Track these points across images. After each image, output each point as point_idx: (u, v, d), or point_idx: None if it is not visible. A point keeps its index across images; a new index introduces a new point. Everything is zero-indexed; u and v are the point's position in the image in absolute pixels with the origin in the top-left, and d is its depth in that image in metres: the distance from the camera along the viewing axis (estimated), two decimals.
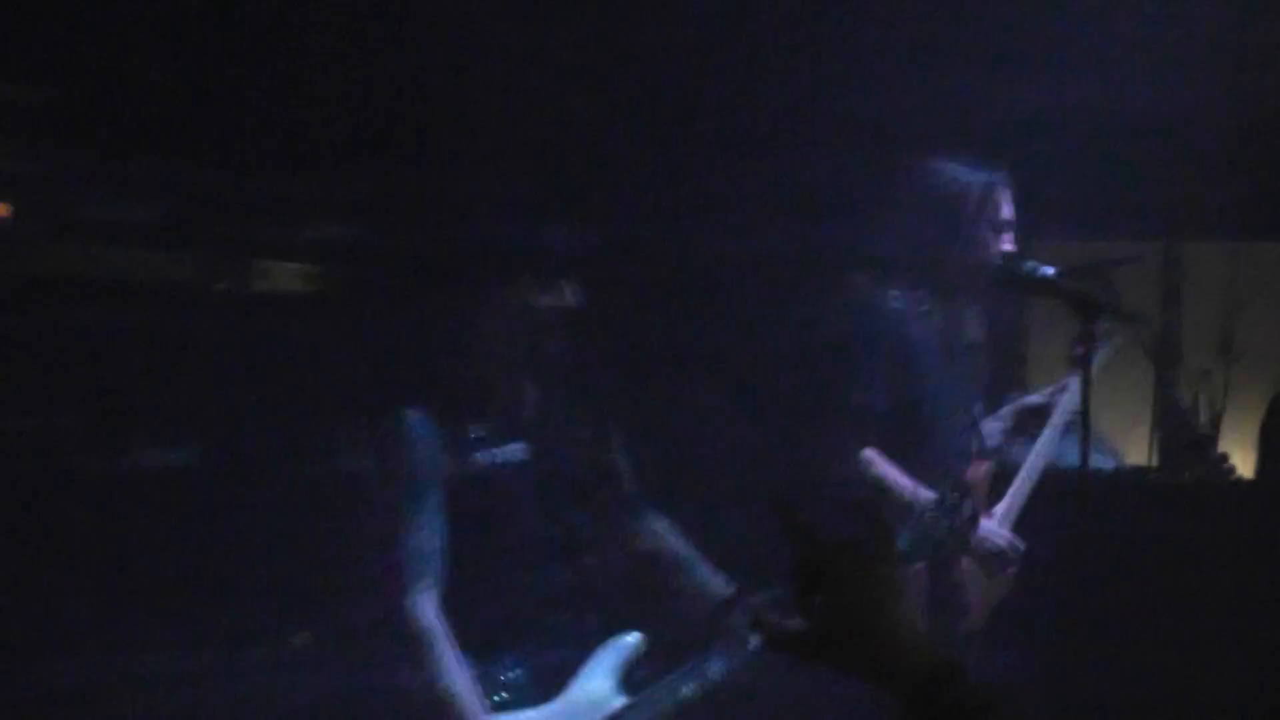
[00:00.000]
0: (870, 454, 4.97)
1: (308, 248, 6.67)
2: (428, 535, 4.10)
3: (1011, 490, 5.15)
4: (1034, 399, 5.31)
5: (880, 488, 5.04)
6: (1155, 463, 6.49)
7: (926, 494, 4.79)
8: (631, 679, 4.32)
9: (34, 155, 5.37)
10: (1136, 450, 6.57)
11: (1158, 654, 5.66)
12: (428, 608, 4.10)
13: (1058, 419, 5.26)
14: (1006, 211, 4.89)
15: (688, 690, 4.23)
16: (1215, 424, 6.30)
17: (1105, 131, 6.39)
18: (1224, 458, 5.09)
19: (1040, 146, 6.11)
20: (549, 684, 4.25)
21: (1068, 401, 5.28)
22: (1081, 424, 4.29)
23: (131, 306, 5.63)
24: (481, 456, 4.21)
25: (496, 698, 4.17)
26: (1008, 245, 4.79)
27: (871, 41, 6.54)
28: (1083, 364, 4.23)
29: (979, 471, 5.16)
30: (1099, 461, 5.39)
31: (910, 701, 2.14)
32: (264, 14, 5.83)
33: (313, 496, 5.84)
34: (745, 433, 5.69)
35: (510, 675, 4.20)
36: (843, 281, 5.44)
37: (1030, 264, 4.55)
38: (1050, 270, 4.47)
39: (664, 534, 4.57)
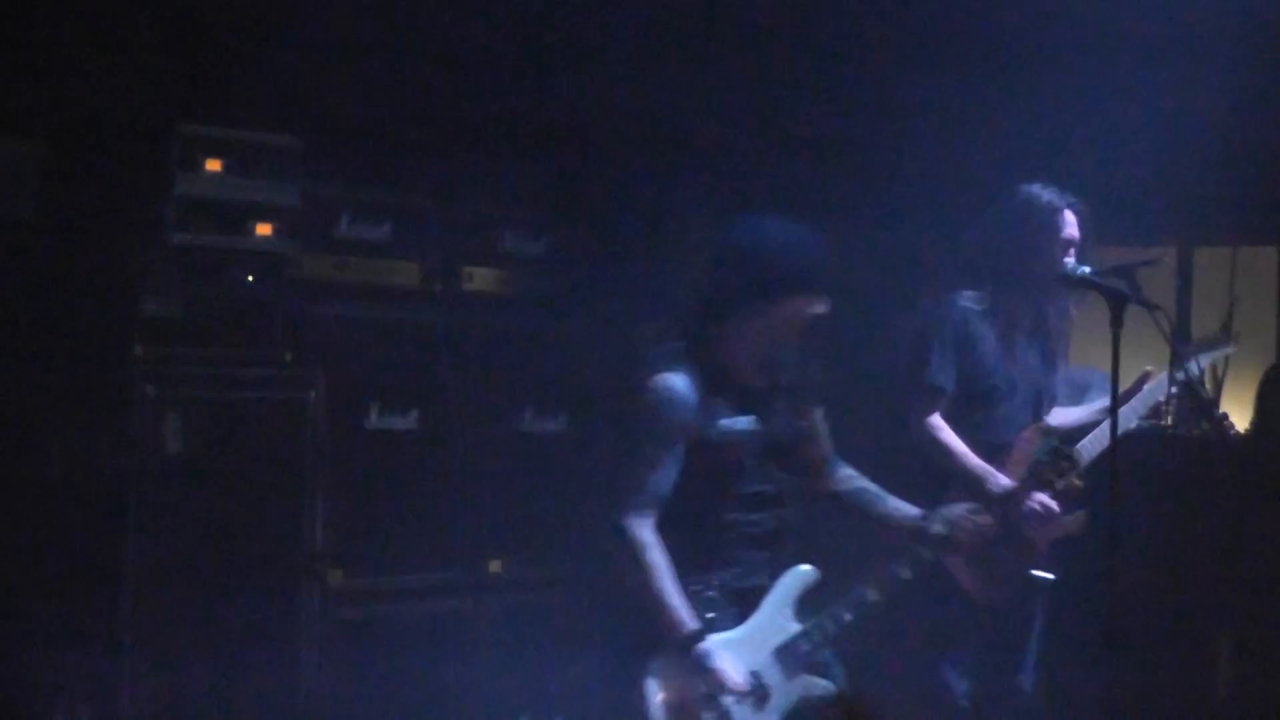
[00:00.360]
0: (936, 420, 5.47)
1: None
2: (664, 476, 4.55)
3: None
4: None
5: (940, 450, 5.48)
6: (1171, 422, 6.88)
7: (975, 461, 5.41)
8: (804, 605, 4.78)
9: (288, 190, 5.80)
10: (1156, 412, 6.75)
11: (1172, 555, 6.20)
12: (649, 528, 4.54)
13: (1136, 404, 5.66)
14: (1072, 232, 5.45)
15: (848, 616, 4.75)
16: (1218, 392, 6.69)
17: (1130, 153, 6.85)
18: (1225, 417, 5.54)
19: (1075, 169, 6.39)
20: (741, 606, 4.70)
21: (1149, 392, 5.67)
22: (1112, 392, 4.69)
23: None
24: (724, 423, 4.66)
25: (707, 615, 4.59)
26: (1070, 259, 5.34)
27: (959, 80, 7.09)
28: (1113, 342, 4.59)
29: (1028, 439, 5.62)
30: (1126, 420, 5.72)
31: None
32: None
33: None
34: (860, 406, 5.69)
35: (710, 594, 4.65)
36: (930, 285, 5.94)
37: (1071, 264, 5.06)
38: (1087, 269, 5.03)
39: (855, 477, 5.03)
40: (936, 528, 4.77)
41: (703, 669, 4.49)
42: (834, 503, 5.00)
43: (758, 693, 4.62)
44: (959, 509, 4.86)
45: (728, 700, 4.54)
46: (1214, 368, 6.64)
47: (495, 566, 6.25)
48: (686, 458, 4.61)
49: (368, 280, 6.09)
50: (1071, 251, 5.44)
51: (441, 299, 6.24)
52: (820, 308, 4.62)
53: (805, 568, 4.78)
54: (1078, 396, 6.43)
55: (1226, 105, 6.82)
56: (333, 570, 5.86)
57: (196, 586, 5.51)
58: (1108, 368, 4.65)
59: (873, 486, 4.99)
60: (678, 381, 4.58)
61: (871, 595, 4.74)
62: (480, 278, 6.35)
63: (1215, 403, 6.03)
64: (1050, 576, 5.58)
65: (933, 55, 7.17)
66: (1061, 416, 5.83)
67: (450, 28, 6.34)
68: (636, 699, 4.58)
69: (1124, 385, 5.80)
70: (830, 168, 7.26)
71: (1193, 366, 5.77)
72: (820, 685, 4.75)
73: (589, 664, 6.22)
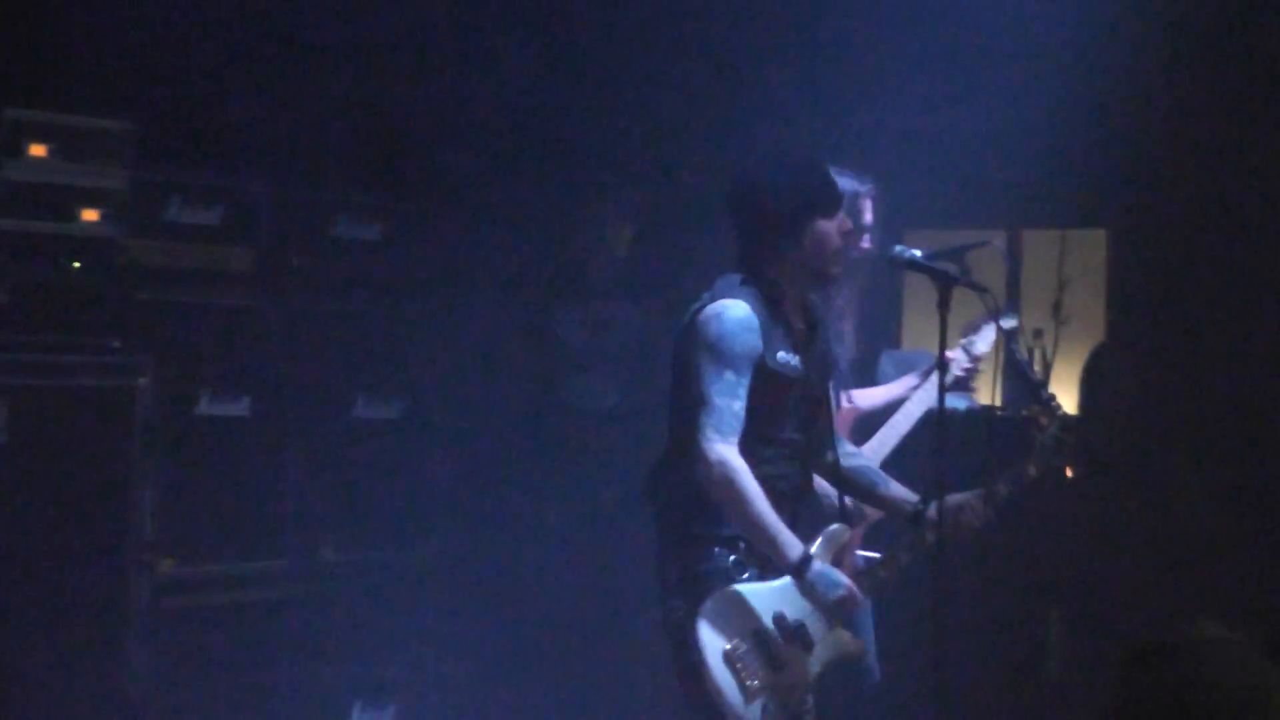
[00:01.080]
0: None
1: None
2: (741, 401, 4.68)
3: (880, 433, 5.86)
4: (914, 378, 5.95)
5: None
6: (1000, 402, 6.77)
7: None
8: (839, 562, 4.89)
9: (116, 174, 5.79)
10: (986, 394, 6.85)
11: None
12: (738, 454, 4.65)
13: (921, 397, 5.87)
14: (868, 217, 5.66)
15: (884, 574, 4.91)
16: (1047, 372, 6.83)
17: (959, 142, 7.03)
18: (1052, 397, 5.73)
19: (909, 155, 6.83)
20: (764, 563, 4.75)
21: (924, 394, 5.87)
22: (939, 372, 4.84)
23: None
24: (781, 355, 4.80)
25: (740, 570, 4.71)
26: (866, 244, 5.53)
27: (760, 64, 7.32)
28: (941, 324, 4.66)
29: (846, 419, 5.82)
30: (956, 402, 6.14)
31: None
32: None
33: None
34: None
35: (742, 546, 4.73)
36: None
37: (900, 248, 4.99)
38: (917, 253, 4.96)
39: (859, 454, 5.24)
40: (932, 515, 4.83)
41: (827, 586, 4.68)
42: (835, 476, 5.14)
43: (804, 640, 4.75)
44: (957, 498, 4.95)
45: (779, 648, 4.67)
46: (1042, 350, 6.84)
47: (329, 553, 6.26)
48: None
49: (198, 266, 6.07)
50: (867, 239, 5.65)
51: (273, 284, 6.23)
52: (845, 225, 4.89)
53: (840, 526, 4.93)
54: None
55: (1054, 89, 6.96)
56: (163, 559, 5.85)
57: (24, 575, 5.49)
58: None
59: (875, 467, 5.19)
60: (744, 308, 4.75)
61: (881, 573, 4.91)
62: (313, 263, 6.36)
63: (1044, 384, 5.93)
64: (876, 555, 5.55)
65: (764, 47, 7.35)
66: (867, 398, 6.01)
67: (280, 8, 6.40)
68: (691, 659, 4.65)
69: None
70: (653, 153, 7.43)
71: (1020, 349, 5.90)
72: (855, 642, 4.93)
73: (423, 651, 6.32)
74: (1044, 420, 5.24)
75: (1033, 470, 5.15)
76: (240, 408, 6.10)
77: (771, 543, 4.66)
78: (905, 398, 5.94)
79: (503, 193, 6.98)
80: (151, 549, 5.80)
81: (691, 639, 4.64)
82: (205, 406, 6.02)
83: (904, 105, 7.10)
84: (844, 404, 5.93)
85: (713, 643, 4.63)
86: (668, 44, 7.41)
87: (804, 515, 4.97)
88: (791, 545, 4.65)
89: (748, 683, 4.63)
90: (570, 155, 7.20)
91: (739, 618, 4.69)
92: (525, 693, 6.48)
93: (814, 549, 4.80)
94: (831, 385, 5.25)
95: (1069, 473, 5.20)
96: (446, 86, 6.87)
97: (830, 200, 4.87)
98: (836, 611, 4.72)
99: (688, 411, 4.78)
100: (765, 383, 4.78)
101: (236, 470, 6.11)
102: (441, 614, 6.52)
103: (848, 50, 7.31)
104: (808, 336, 4.98)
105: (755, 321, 4.75)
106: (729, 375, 4.71)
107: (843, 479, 5.13)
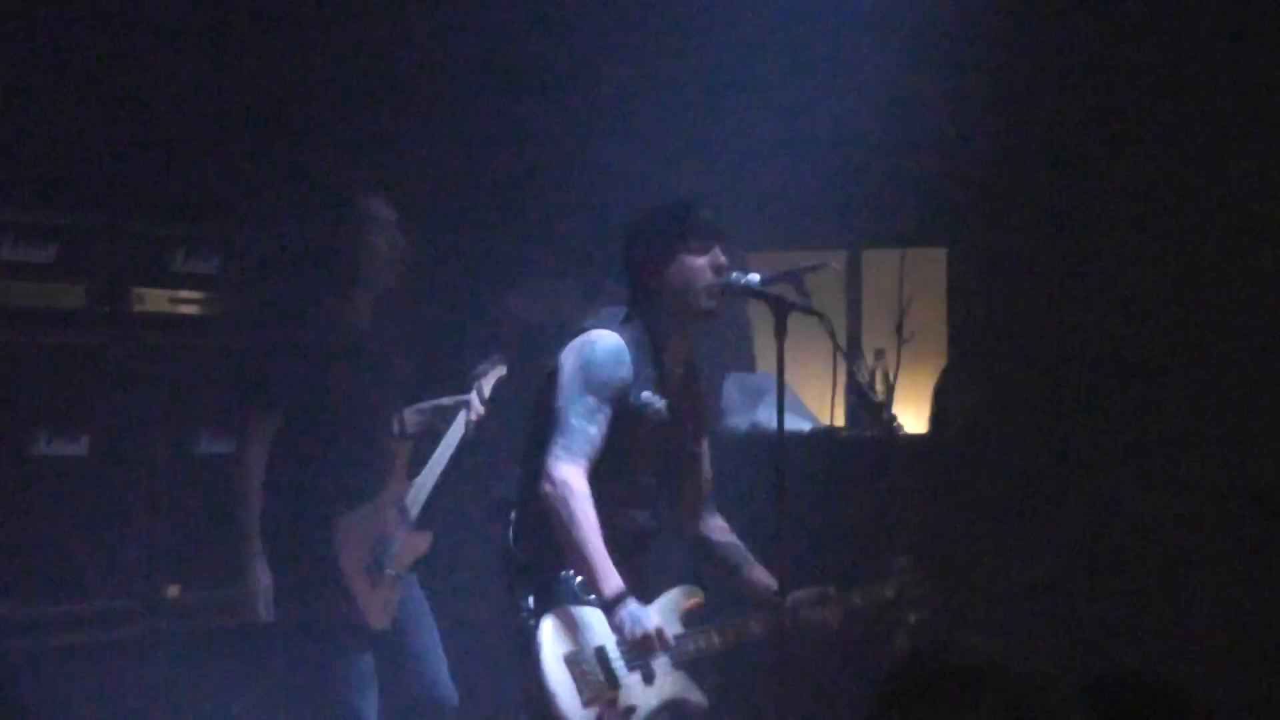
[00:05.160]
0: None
1: None
2: (600, 429, 4.82)
3: (425, 469, 6.15)
4: (444, 401, 6.15)
5: None
6: (844, 423, 7.12)
7: None
8: (688, 617, 5.04)
9: None
10: (827, 415, 6.85)
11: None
12: (584, 478, 4.79)
13: (455, 430, 6.12)
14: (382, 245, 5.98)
15: (717, 640, 5.01)
16: (890, 393, 6.71)
17: (798, 161, 7.17)
18: (894, 418, 5.85)
19: (748, 175, 7.07)
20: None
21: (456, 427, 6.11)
22: (778, 394, 4.92)
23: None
24: (646, 395, 4.96)
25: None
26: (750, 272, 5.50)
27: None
28: (778, 350, 4.83)
29: (399, 451, 6.15)
30: (798, 423, 6.43)
31: None
32: None
33: None
34: None
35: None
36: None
37: (737, 274, 5.06)
38: (756, 277, 5.05)
39: (727, 530, 5.33)
40: (786, 609, 4.95)
41: (634, 623, 4.73)
42: (700, 548, 5.29)
43: (646, 672, 4.85)
44: (804, 595, 5.07)
45: (619, 668, 4.80)
46: (885, 371, 6.94)
47: (173, 591, 6.33)
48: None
49: (32, 304, 6.15)
50: None
51: (110, 321, 6.32)
52: (718, 260, 4.95)
53: (694, 587, 5.08)
54: (753, 402, 6.93)
55: (890, 107, 7.16)
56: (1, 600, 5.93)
57: None
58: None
59: (742, 546, 5.25)
60: (616, 339, 4.88)
61: (754, 628, 5.01)
62: (151, 298, 6.44)
63: (887, 405, 6.10)
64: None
65: (581, 65, 7.49)
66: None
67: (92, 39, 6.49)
68: (532, 653, 4.77)
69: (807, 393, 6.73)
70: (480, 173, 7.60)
71: (861, 371, 6.13)
72: (694, 688, 5.01)
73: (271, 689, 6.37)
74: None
75: (889, 593, 5.26)
76: (79, 447, 6.17)
77: (591, 571, 4.75)
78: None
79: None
80: None
81: (535, 639, 4.77)
82: (44, 447, 6.09)
83: (742, 125, 7.30)
84: (397, 433, 6.15)
85: (555, 647, 4.77)
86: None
87: (649, 565, 5.12)
88: (609, 578, 4.73)
89: (584, 692, 4.76)
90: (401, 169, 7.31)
91: (584, 632, 4.82)
92: None
93: (659, 601, 4.96)
94: (706, 444, 5.35)
95: (912, 618, 5.29)
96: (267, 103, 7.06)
97: (694, 235, 4.95)
98: (636, 651, 4.80)
99: (545, 430, 4.90)
100: (626, 420, 4.90)
101: (78, 510, 6.20)
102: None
103: (685, 71, 7.46)
104: (682, 386, 5.10)
105: (626, 356, 4.88)
106: (590, 400, 4.83)
107: (707, 553, 5.26)
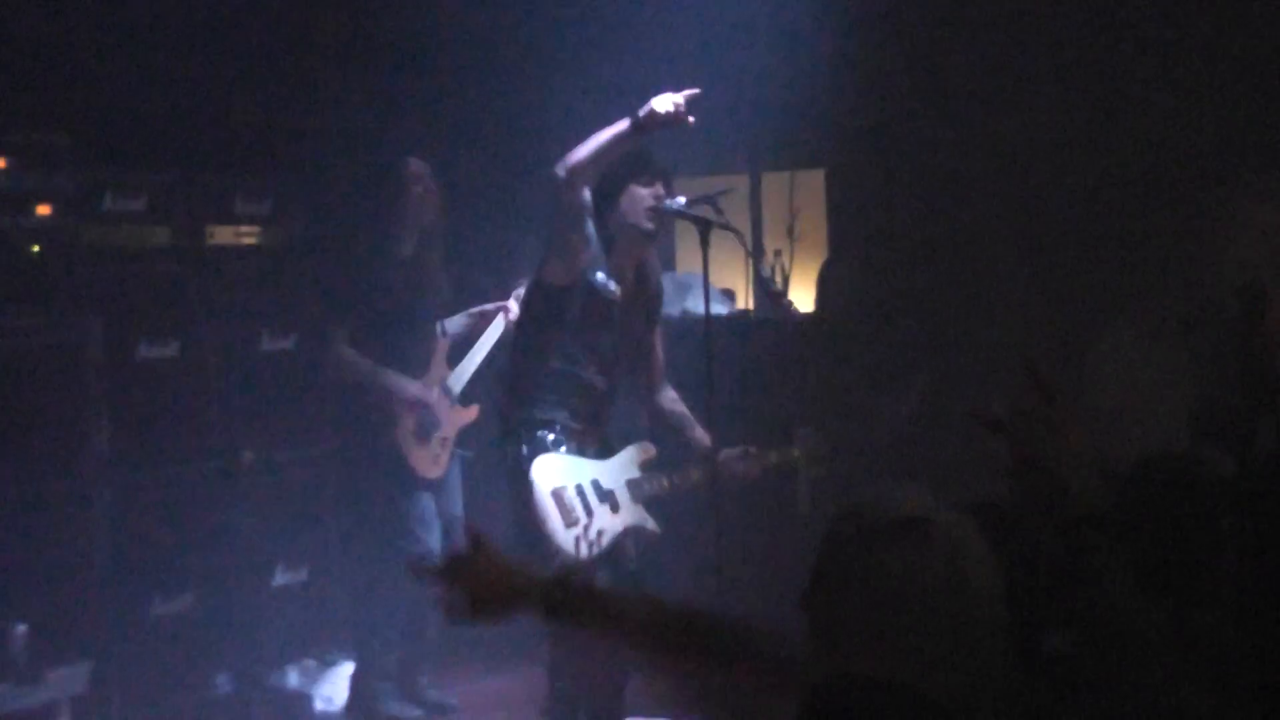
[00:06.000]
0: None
1: None
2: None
3: (465, 359, 6.96)
4: (487, 307, 6.98)
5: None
6: (752, 307, 8.17)
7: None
8: (644, 467, 5.67)
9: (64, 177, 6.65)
10: (743, 301, 8.25)
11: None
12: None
13: (495, 327, 6.95)
14: (420, 188, 6.75)
15: (671, 482, 5.66)
16: (785, 282, 7.93)
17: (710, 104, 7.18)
18: (790, 303, 6.23)
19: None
20: (582, 445, 5.55)
21: (496, 325, 6.94)
22: (704, 289, 5.50)
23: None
24: (600, 278, 5.51)
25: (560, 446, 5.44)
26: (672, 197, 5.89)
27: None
28: (704, 260, 5.45)
29: (443, 348, 6.98)
30: (718, 309, 6.54)
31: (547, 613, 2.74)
32: None
33: None
34: None
35: (559, 427, 5.52)
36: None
37: (668, 200, 5.64)
38: (681, 200, 5.64)
39: (678, 400, 5.88)
40: (722, 458, 5.63)
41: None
42: (655, 414, 5.89)
43: (613, 503, 5.50)
44: (732, 451, 5.73)
45: (593, 500, 5.44)
46: (780, 266, 8.02)
47: (248, 456, 7.11)
48: (556, 298, 5.54)
49: (130, 243, 7.05)
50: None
51: (190, 253, 7.23)
52: (659, 192, 5.58)
53: (649, 444, 5.77)
54: (683, 294, 7.80)
55: (779, 43, 7.87)
56: (117, 470, 6.82)
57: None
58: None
59: (688, 413, 5.83)
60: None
61: (694, 476, 5.69)
62: (219, 234, 7.41)
63: (784, 292, 6.85)
64: (469, 453, 7.00)
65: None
66: (454, 324, 7.12)
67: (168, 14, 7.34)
68: (525, 489, 5.41)
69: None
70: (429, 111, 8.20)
71: (766, 268, 7.20)
72: (650, 518, 5.67)
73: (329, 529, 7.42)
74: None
75: (796, 453, 5.96)
76: (171, 349, 7.01)
77: (608, 132, 5.41)
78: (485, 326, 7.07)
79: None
80: (108, 460, 6.77)
81: (525, 475, 5.41)
82: (144, 351, 6.95)
83: (661, 69, 7.19)
84: (440, 334, 6.94)
85: (543, 481, 5.41)
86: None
87: (608, 422, 5.74)
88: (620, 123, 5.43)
89: (566, 516, 5.38)
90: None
91: (564, 473, 5.48)
92: None
93: (623, 453, 5.67)
94: (659, 332, 5.90)
95: (812, 473, 5.98)
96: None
97: (643, 170, 5.55)
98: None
99: (528, 293, 5.62)
100: (585, 294, 5.50)
101: (172, 399, 7.03)
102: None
103: (613, 19, 8.05)
104: (634, 285, 5.67)
105: (592, 232, 5.50)
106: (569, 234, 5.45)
107: (660, 418, 5.89)
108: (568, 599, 2.67)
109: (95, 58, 7.21)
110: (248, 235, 7.45)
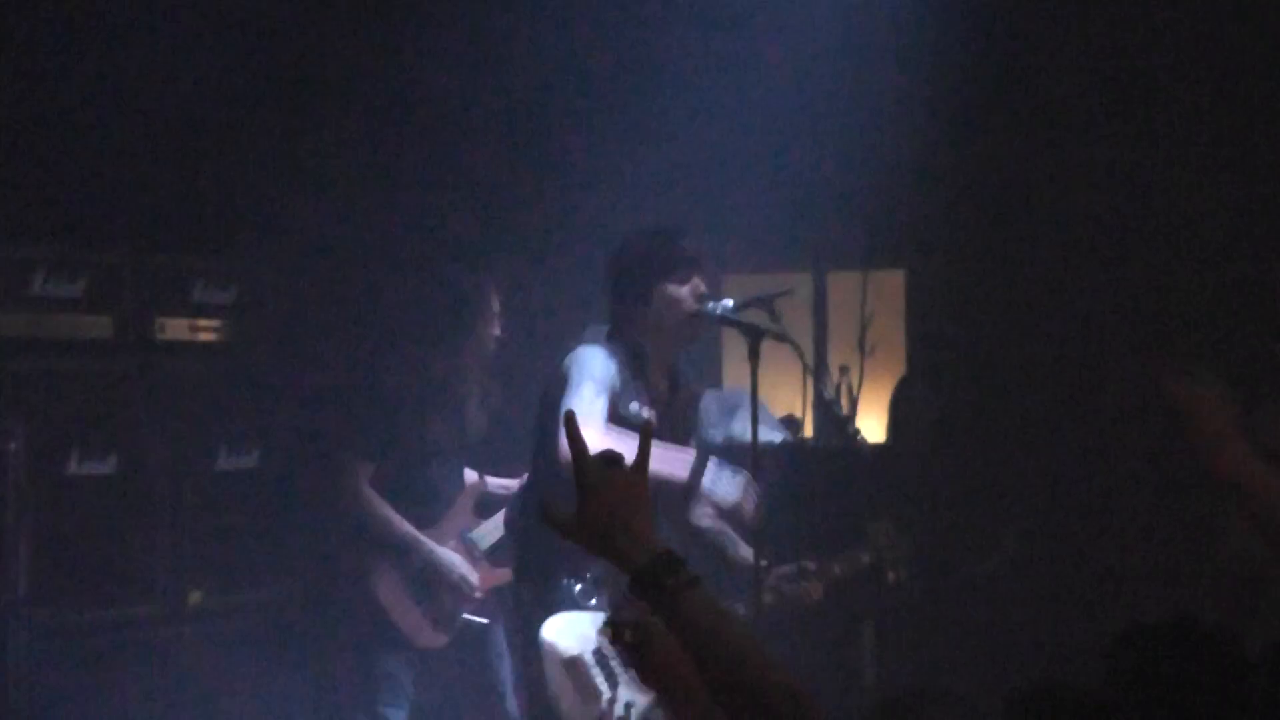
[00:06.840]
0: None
1: None
2: (603, 410, 5.04)
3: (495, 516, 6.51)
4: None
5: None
6: (812, 435, 7.47)
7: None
8: None
9: None
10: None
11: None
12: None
13: None
14: (495, 305, 6.35)
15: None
16: (854, 406, 7.23)
17: (766, 188, 7.44)
18: (858, 431, 5.83)
19: (719, 200, 7.26)
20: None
21: None
22: (752, 411, 5.10)
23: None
24: (634, 406, 5.18)
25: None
26: (496, 331, 6.14)
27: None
28: (752, 373, 5.04)
29: (470, 494, 6.55)
30: (769, 435, 6.50)
31: (635, 577, 2.74)
32: None
33: None
34: None
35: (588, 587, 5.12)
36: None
37: (712, 304, 5.28)
38: (730, 303, 5.28)
39: (713, 515, 5.30)
40: (770, 579, 5.25)
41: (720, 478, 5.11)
42: (691, 536, 5.36)
43: None
44: (784, 570, 5.35)
45: (616, 666, 4.97)
46: (847, 385, 7.28)
47: (195, 597, 6.59)
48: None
49: (64, 335, 6.39)
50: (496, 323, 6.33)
51: (136, 349, 6.57)
52: (699, 289, 5.20)
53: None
54: (729, 416, 7.08)
55: (851, 133, 7.40)
56: (36, 609, 6.15)
57: None
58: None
59: (728, 530, 5.36)
60: (602, 352, 5.15)
61: (738, 612, 5.03)
62: (173, 327, 6.67)
63: (851, 418, 6.47)
64: (484, 620, 6.42)
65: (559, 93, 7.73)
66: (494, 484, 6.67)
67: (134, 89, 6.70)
68: (536, 658, 5.05)
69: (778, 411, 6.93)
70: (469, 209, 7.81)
71: (827, 389, 6.43)
72: None
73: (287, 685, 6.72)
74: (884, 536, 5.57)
75: (866, 558, 5.49)
76: (108, 466, 6.43)
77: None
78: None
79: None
80: (25, 603, 6.08)
81: (538, 644, 5.04)
82: (75, 467, 6.35)
83: (713, 153, 7.48)
84: (471, 480, 6.56)
85: (554, 652, 5.01)
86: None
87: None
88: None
89: (585, 693, 4.99)
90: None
91: (581, 636, 5.03)
92: None
93: None
94: (689, 442, 5.51)
95: (891, 577, 5.52)
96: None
97: (677, 265, 5.20)
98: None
99: (549, 437, 5.11)
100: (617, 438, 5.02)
101: (107, 524, 6.45)
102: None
103: (660, 99, 7.58)
104: (668, 398, 5.33)
105: (614, 365, 5.14)
106: (590, 387, 5.09)
107: (698, 540, 5.35)
108: None
109: (28, 110, 6.53)
110: (206, 329, 6.80)
